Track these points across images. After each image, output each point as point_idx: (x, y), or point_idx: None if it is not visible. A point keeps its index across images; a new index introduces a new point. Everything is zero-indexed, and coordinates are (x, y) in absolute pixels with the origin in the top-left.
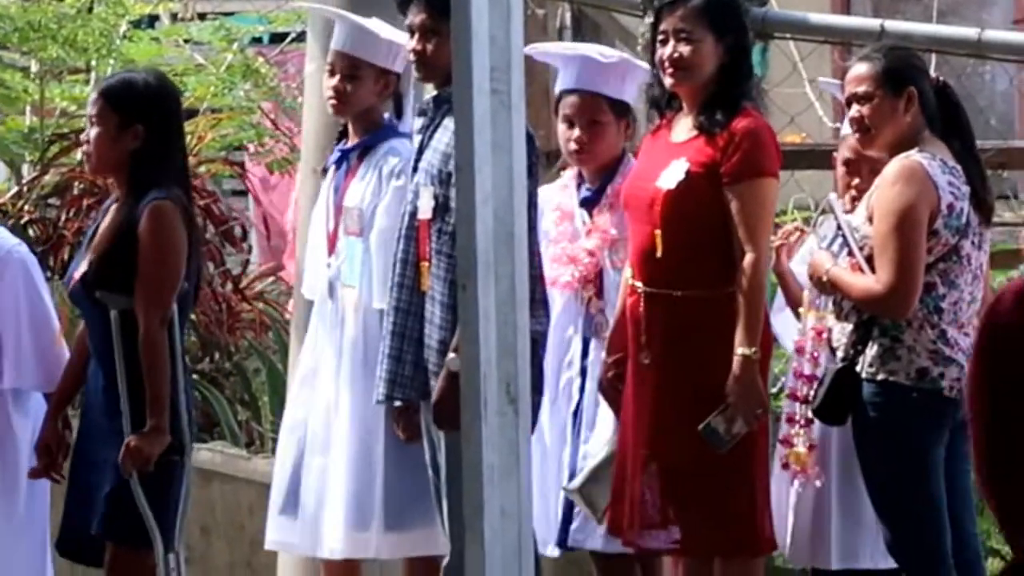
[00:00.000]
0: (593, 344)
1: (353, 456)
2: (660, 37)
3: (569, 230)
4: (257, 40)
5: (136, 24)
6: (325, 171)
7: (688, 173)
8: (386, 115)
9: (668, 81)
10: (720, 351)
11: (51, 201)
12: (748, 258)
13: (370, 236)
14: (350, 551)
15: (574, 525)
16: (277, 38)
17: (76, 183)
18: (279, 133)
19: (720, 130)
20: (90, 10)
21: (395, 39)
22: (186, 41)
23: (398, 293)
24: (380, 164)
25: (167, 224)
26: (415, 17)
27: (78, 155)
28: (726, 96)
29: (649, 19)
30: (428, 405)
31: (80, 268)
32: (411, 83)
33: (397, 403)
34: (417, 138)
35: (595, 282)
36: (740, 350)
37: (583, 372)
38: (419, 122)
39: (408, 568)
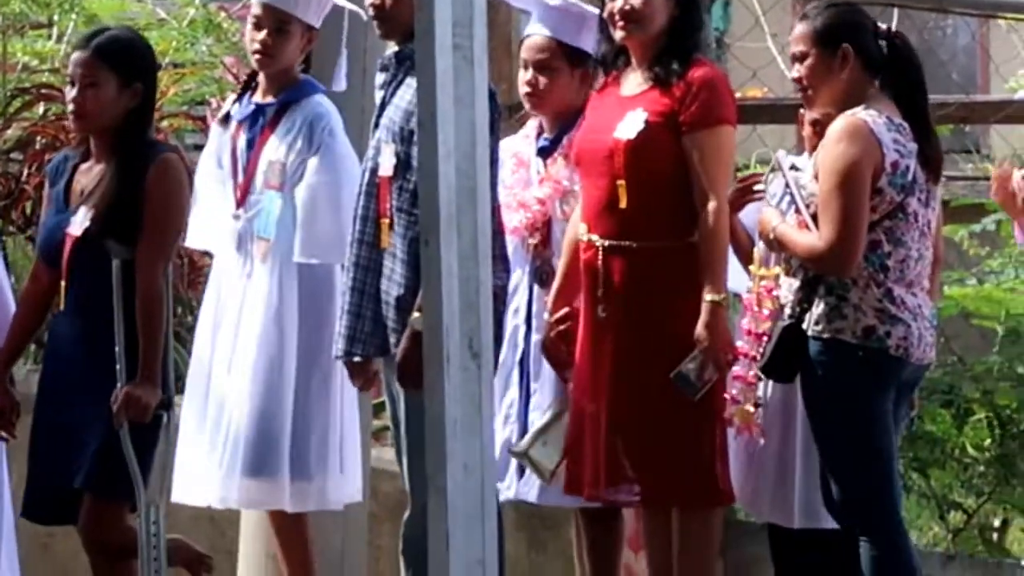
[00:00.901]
0: (536, 292)
1: (257, 407)
2: None
3: (524, 177)
4: None
5: None
6: (226, 121)
7: (647, 123)
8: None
9: (619, 34)
10: (682, 301)
11: (13, 156)
12: (710, 205)
13: (296, 190)
14: (256, 501)
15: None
16: None
17: (38, 138)
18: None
19: (677, 80)
20: None
21: None
22: None
23: (357, 249)
24: (309, 119)
25: (176, 178)
26: None
27: (40, 109)
28: (679, 47)
29: None
30: (388, 361)
31: (75, 224)
32: (344, 40)
33: (356, 359)
34: (378, 94)
35: (543, 230)
36: (708, 296)
37: (528, 320)
38: (380, 78)
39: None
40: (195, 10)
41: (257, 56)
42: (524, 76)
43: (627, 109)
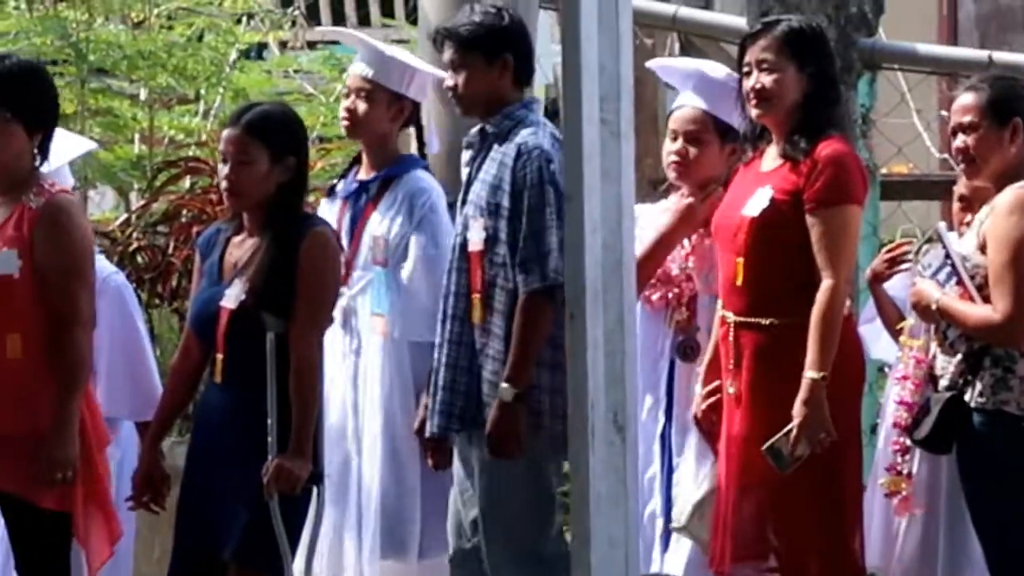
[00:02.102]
0: (679, 366)
1: (388, 487)
2: (745, 69)
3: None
4: None
5: (246, 54)
6: (330, 195)
7: (772, 200)
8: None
9: (753, 112)
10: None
11: (159, 229)
12: (825, 284)
13: (401, 266)
14: None
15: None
16: None
17: (184, 211)
18: None
19: (804, 157)
20: (200, 39)
21: (412, 65)
22: (295, 71)
23: (451, 325)
24: (411, 194)
25: (328, 251)
26: (446, 54)
27: (186, 183)
28: (810, 124)
29: None
30: (479, 435)
31: (229, 297)
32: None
33: (452, 433)
34: (465, 170)
35: (689, 305)
36: (809, 373)
37: (669, 394)
38: (466, 155)
39: None
40: (342, 85)
41: (343, 123)
42: (672, 146)
43: (759, 185)
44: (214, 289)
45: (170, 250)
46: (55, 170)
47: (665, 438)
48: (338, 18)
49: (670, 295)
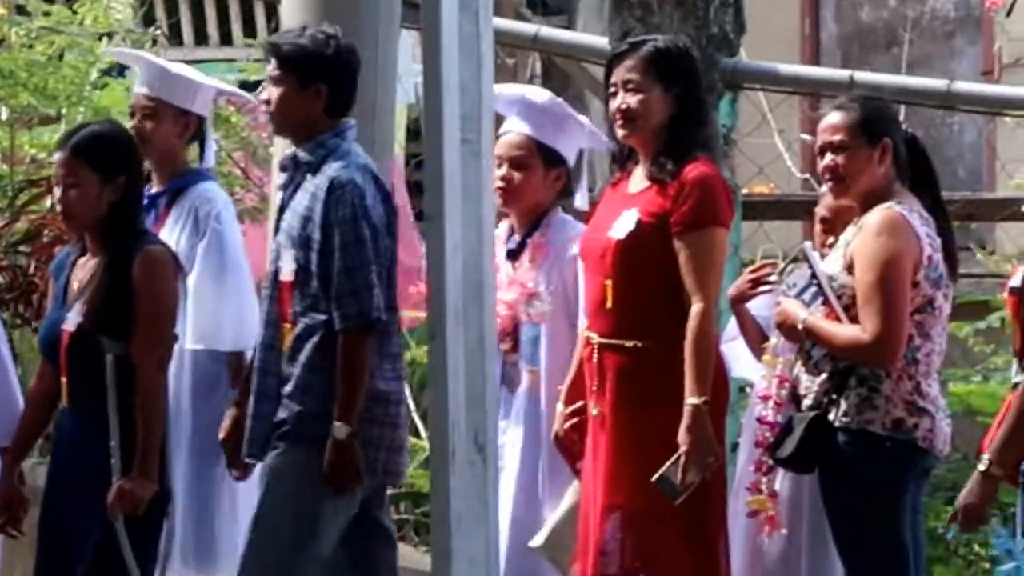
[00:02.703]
0: (504, 395)
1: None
2: (611, 89)
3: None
4: None
5: (107, 72)
6: None
7: (639, 223)
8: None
9: (619, 132)
10: (673, 401)
11: (21, 248)
12: (696, 308)
13: (188, 279)
14: None
15: None
16: (247, 87)
17: (46, 230)
18: (250, 182)
19: (671, 179)
20: (60, 57)
21: (196, 80)
22: None
23: (262, 352)
24: (195, 207)
25: (161, 270)
26: (269, 66)
27: (48, 202)
28: (676, 145)
29: None
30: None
31: (69, 321)
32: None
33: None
34: (278, 195)
35: (512, 335)
36: (690, 400)
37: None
38: (279, 178)
39: None
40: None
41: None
42: (498, 172)
43: (625, 207)
44: (58, 313)
45: (32, 270)
46: None
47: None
48: (200, 37)
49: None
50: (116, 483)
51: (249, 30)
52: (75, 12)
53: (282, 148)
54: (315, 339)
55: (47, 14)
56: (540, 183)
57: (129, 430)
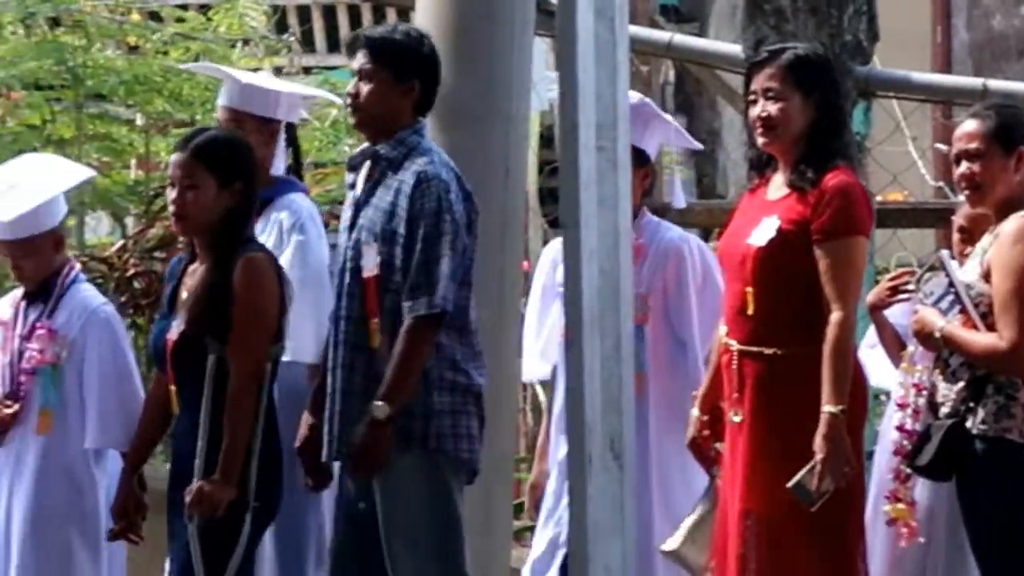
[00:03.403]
0: None
1: None
2: (751, 97)
3: None
4: None
5: None
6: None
7: (779, 230)
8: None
9: (759, 140)
10: (812, 409)
11: (156, 254)
12: (835, 316)
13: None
14: None
15: None
16: None
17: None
18: None
19: (811, 187)
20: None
21: (275, 88)
22: None
23: (343, 351)
24: (280, 218)
25: (261, 276)
26: (357, 60)
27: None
28: (817, 153)
29: None
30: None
31: (173, 329)
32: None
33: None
34: (349, 193)
35: None
36: (827, 408)
37: None
38: (349, 177)
39: None
40: (337, 111)
41: None
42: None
43: (765, 214)
44: (164, 321)
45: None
46: (53, 198)
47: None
48: (333, 44)
49: None
50: (196, 484)
51: None
52: (209, 19)
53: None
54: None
55: (181, 20)
56: (634, 185)
57: (217, 433)
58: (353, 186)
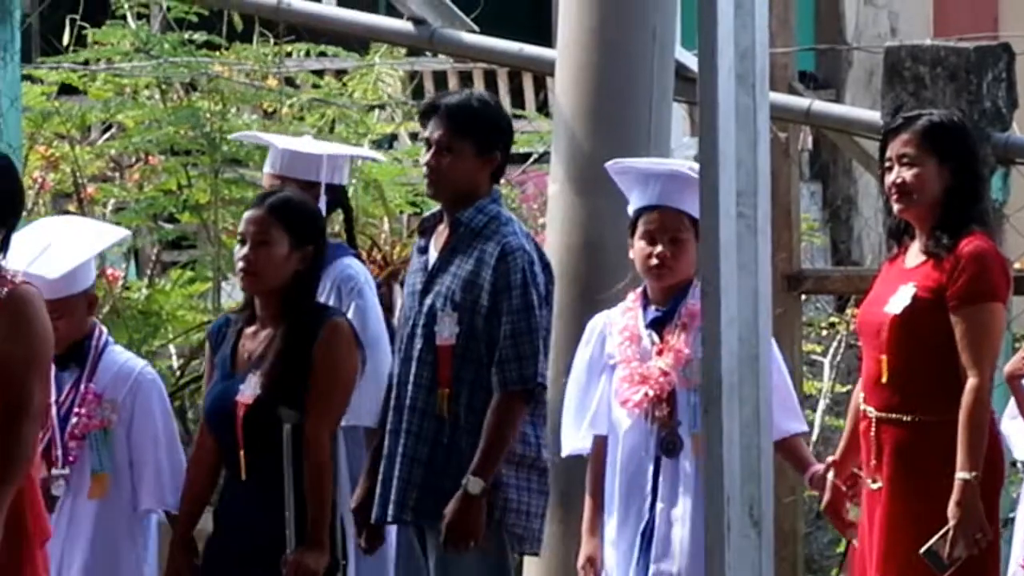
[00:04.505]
0: (664, 463)
1: None
2: (886, 163)
3: (637, 352)
4: None
5: (377, 144)
6: None
7: (915, 298)
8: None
9: (895, 207)
10: (950, 476)
11: None
12: (971, 383)
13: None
14: None
15: None
16: (515, 159)
17: None
18: None
19: (946, 254)
20: (332, 129)
21: (318, 152)
22: None
23: (408, 416)
24: (339, 281)
25: (346, 343)
26: (434, 132)
27: None
28: (953, 220)
29: None
30: (434, 527)
31: (245, 392)
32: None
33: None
34: (420, 257)
35: (668, 401)
36: (960, 474)
37: (654, 491)
38: (421, 240)
39: None
40: None
41: None
42: (651, 249)
43: (902, 282)
44: (227, 383)
45: None
46: (90, 258)
47: (645, 534)
48: None
49: (649, 393)
50: (291, 555)
51: (517, 102)
52: (344, 84)
53: (557, 226)
54: (480, 407)
55: (317, 86)
56: (692, 255)
57: (302, 502)
58: (424, 250)
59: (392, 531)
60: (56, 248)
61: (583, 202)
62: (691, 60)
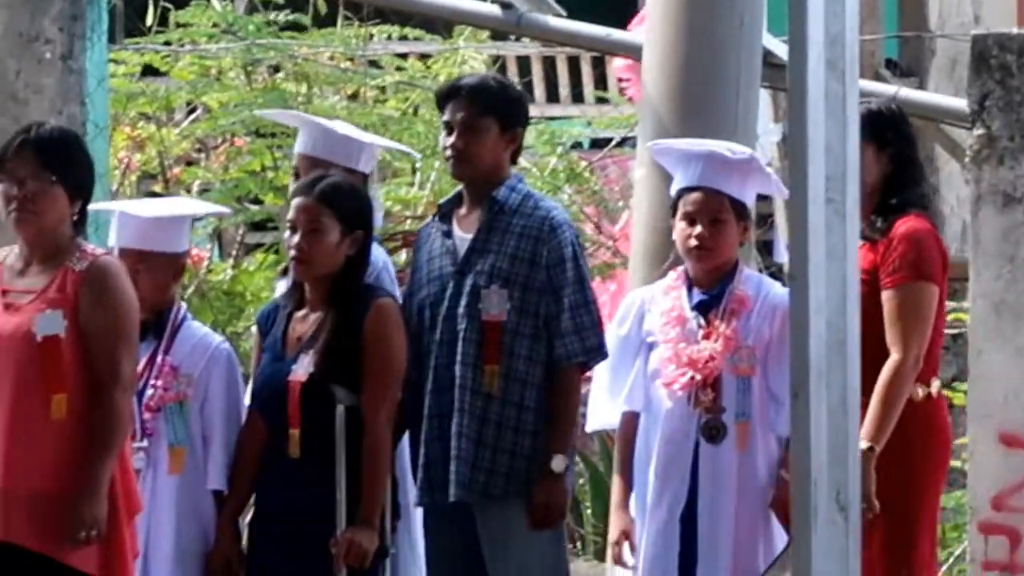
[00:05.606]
0: (703, 449)
1: None
2: None
3: (682, 334)
4: (578, 145)
5: None
6: (285, 274)
7: None
8: None
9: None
10: (892, 462)
11: None
12: (892, 358)
13: None
14: None
15: None
16: (597, 143)
17: (404, 284)
18: (602, 238)
19: (881, 237)
20: (415, 112)
21: (358, 138)
22: None
23: (460, 395)
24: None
25: (393, 322)
26: (456, 114)
27: (402, 256)
28: (890, 205)
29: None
30: (492, 506)
31: (298, 372)
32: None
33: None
34: (444, 241)
35: (713, 386)
36: (861, 443)
37: (693, 477)
38: (443, 224)
39: None
40: (557, 159)
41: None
42: (691, 230)
43: None
44: (277, 365)
45: None
46: (182, 221)
47: (684, 520)
48: (552, 94)
49: (695, 377)
50: (343, 534)
51: (600, 88)
52: (428, 67)
53: (643, 211)
54: (535, 381)
55: (400, 69)
56: (733, 237)
57: (354, 483)
58: (449, 234)
59: (416, 519)
60: (152, 204)
61: (669, 186)
62: (777, 46)
